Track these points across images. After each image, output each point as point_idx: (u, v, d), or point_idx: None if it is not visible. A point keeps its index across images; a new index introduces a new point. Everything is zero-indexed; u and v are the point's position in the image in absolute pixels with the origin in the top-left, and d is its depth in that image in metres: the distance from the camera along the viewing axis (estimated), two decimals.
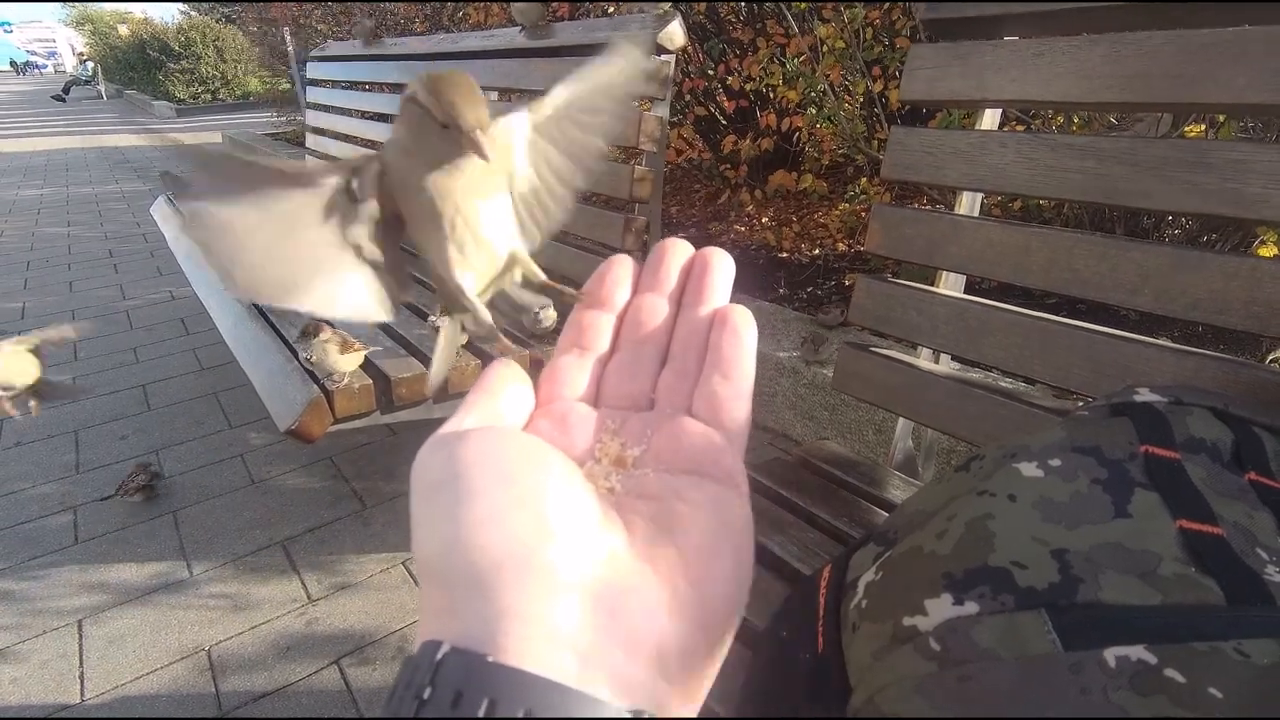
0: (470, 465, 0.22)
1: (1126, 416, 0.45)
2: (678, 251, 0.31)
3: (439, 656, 0.18)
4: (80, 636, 1.39)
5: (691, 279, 0.30)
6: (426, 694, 0.17)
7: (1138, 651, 0.32)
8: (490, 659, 0.18)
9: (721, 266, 0.30)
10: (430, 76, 0.31)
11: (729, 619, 0.23)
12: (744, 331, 0.29)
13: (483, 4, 3.78)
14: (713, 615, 0.22)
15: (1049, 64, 0.81)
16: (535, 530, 0.21)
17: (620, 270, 0.31)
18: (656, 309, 0.30)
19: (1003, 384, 1.28)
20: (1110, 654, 0.32)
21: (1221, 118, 1.65)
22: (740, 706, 0.23)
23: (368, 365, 1.29)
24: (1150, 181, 0.73)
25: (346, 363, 1.22)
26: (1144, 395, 0.48)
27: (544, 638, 0.19)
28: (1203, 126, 1.70)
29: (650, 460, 0.27)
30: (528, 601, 0.19)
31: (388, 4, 4.80)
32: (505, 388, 0.28)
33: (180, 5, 15.39)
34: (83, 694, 1.27)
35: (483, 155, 0.31)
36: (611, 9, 3.37)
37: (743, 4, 2.87)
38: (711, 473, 0.26)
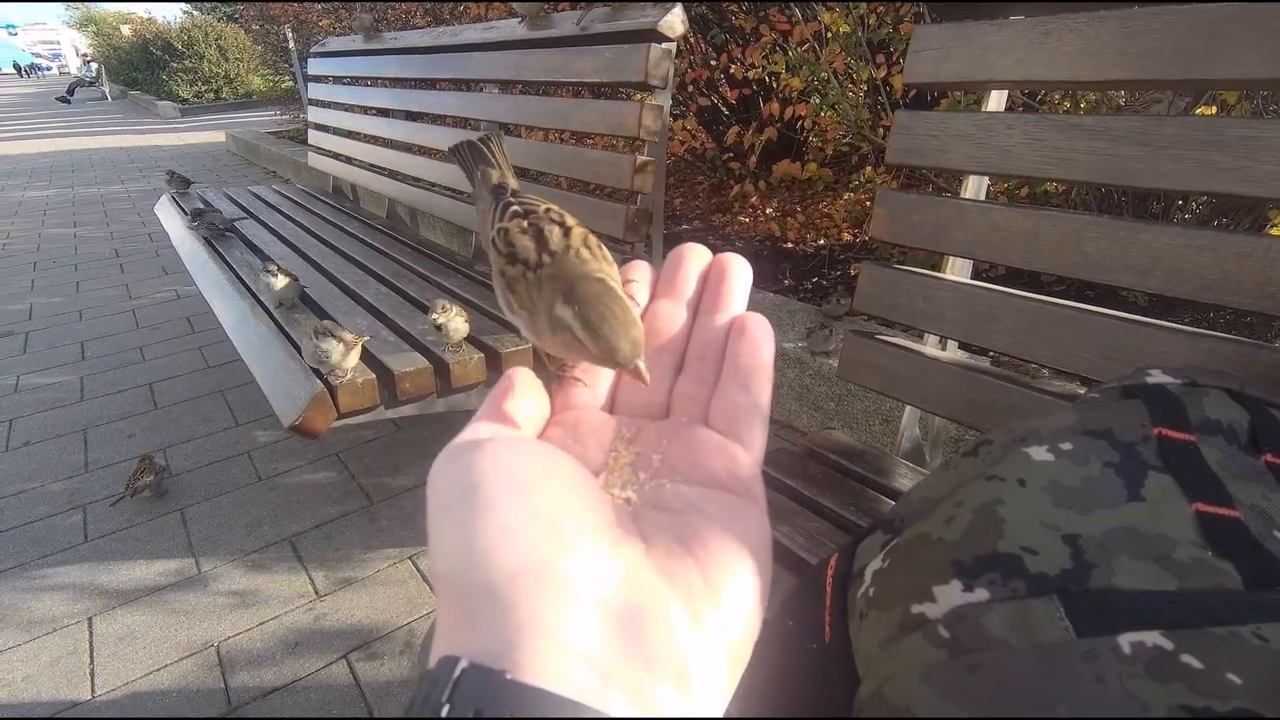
0: (486, 477, 0.22)
1: (1139, 399, 0.44)
2: (695, 257, 0.30)
3: (457, 673, 0.18)
4: (90, 634, 1.39)
5: (709, 285, 0.30)
6: (445, 711, 0.17)
7: (1153, 637, 0.31)
8: (509, 676, 0.18)
9: (739, 273, 0.30)
10: (586, 308, 0.27)
11: (749, 634, 0.23)
12: (762, 341, 0.28)
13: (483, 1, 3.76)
14: (732, 630, 0.22)
15: (1055, 43, 0.79)
16: (552, 543, 0.20)
17: (638, 275, 0.31)
18: (674, 316, 0.30)
19: (1010, 370, 1.26)
20: (1125, 640, 0.31)
21: (1232, 100, 1.63)
22: (746, 697, 0.22)
23: (371, 361, 1.29)
24: (1161, 161, 0.71)
25: (351, 358, 1.22)
26: (1156, 377, 0.47)
27: (562, 652, 0.19)
28: (1214, 109, 1.68)
29: (666, 471, 0.26)
30: (545, 615, 0.19)
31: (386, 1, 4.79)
32: (520, 396, 0.27)
33: (182, 5, 15.42)
34: (93, 690, 1.27)
35: (644, 382, 0.28)
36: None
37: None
38: (728, 485, 0.25)
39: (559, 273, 0.29)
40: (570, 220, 0.31)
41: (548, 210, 0.32)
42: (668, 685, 0.20)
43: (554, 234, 0.31)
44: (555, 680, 0.18)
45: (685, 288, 0.30)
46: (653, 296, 0.31)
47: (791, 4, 2.53)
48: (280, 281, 1.56)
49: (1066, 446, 0.41)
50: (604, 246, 0.31)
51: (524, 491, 0.21)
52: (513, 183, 0.36)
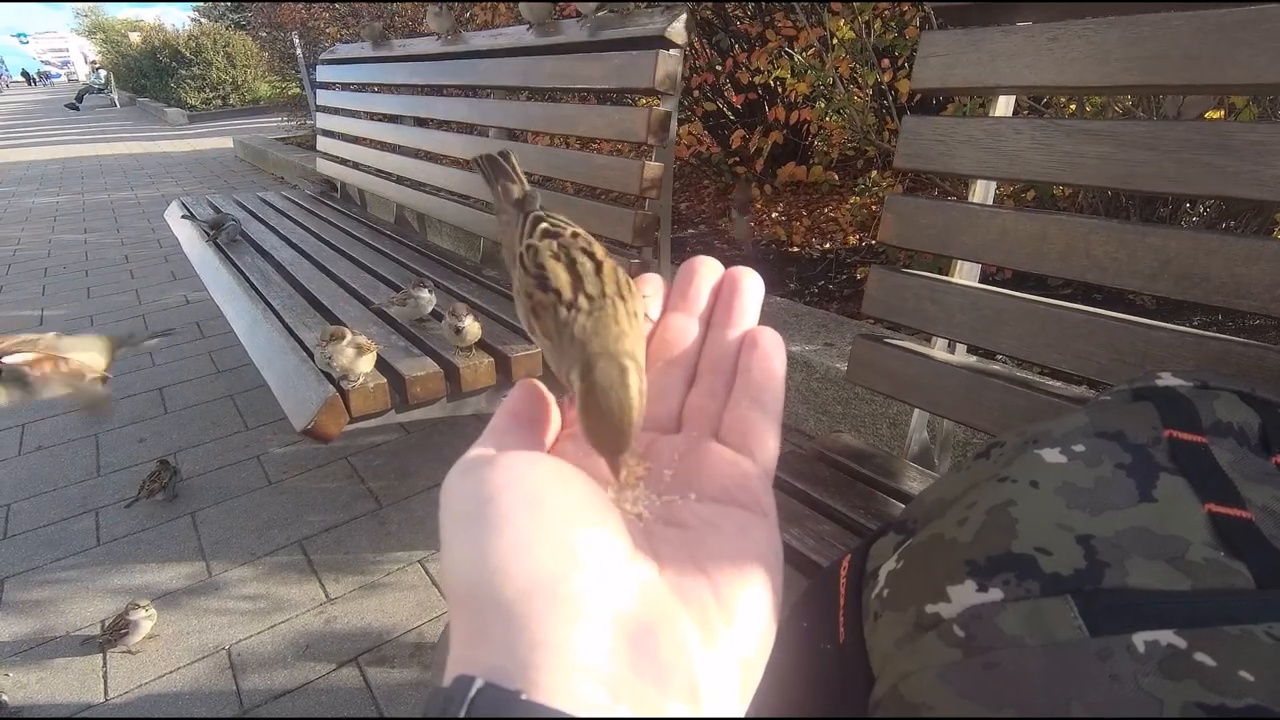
0: (498, 491, 0.21)
1: (1149, 401, 0.45)
2: (707, 270, 0.30)
3: (473, 692, 0.18)
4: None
5: (721, 299, 0.30)
6: None
7: (1167, 636, 0.31)
8: (524, 696, 0.18)
9: (751, 287, 0.30)
10: (594, 391, 0.26)
11: (762, 650, 0.23)
12: (774, 354, 0.28)
13: (490, 4, 3.78)
14: (745, 647, 0.22)
15: (1064, 48, 0.80)
16: (565, 559, 0.20)
17: (650, 289, 0.31)
18: (685, 329, 0.30)
19: (1018, 373, 1.26)
20: (1139, 639, 0.31)
21: (1240, 103, 1.63)
22: (760, 697, 0.23)
23: (382, 365, 1.30)
24: (1170, 165, 0.71)
25: (365, 364, 1.23)
26: (1167, 380, 0.48)
27: (575, 671, 0.19)
28: (1221, 112, 1.68)
29: (678, 486, 0.26)
30: (558, 633, 0.19)
31: (395, 5, 4.82)
32: (531, 410, 0.27)
33: (190, 12, 15.54)
34: (106, 694, 1.28)
35: (613, 481, 0.27)
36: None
37: (750, 1, 2.86)
38: (741, 500, 0.25)
39: (592, 334, 0.27)
40: (599, 251, 0.31)
41: (575, 235, 0.31)
42: (680, 703, 0.20)
43: (586, 268, 0.29)
44: (568, 698, 0.18)
45: (697, 301, 0.30)
46: (664, 310, 0.31)
47: (794, 5, 2.54)
48: (432, 299, 1.51)
49: (1078, 448, 0.41)
50: (632, 284, 0.30)
51: (537, 507, 0.21)
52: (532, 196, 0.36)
